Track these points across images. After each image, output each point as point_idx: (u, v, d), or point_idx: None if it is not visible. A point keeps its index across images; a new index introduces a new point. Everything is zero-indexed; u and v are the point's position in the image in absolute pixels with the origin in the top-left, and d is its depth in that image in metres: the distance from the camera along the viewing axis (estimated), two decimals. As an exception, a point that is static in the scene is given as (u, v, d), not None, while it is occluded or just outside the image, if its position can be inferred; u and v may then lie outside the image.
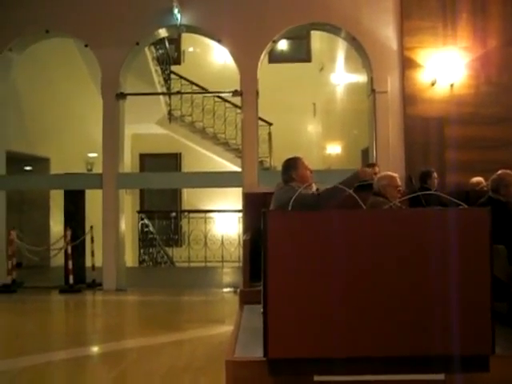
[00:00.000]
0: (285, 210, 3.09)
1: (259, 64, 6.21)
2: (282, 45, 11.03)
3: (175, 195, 11.23)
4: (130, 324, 4.87)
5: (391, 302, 2.57)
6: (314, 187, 3.45)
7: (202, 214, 9.76)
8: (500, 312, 3.24)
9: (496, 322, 2.79)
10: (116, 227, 6.28)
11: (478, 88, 6.01)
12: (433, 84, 5.99)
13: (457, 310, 2.56)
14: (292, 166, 3.39)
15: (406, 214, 2.86)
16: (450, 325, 2.55)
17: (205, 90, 9.88)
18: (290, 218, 2.67)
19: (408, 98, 6.02)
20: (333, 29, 6.38)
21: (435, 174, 4.98)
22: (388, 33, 6.13)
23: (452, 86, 5.96)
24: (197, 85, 10.06)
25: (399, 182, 3.71)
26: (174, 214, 10.66)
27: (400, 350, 2.56)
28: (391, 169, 5.23)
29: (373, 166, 5.22)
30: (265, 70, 6.54)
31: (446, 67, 5.92)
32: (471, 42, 6.07)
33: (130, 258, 9.39)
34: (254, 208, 4.37)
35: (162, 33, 6.69)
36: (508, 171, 3.96)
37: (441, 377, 2.48)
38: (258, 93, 6.22)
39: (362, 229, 2.64)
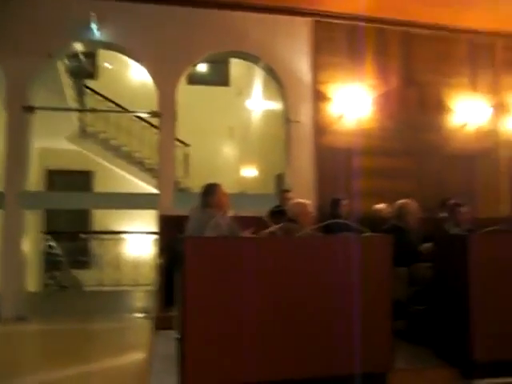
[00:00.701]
0: (203, 235, 3.12)
1: (178, 86, 6.24)
2: (202, 67, 11.17)
3: (85, 215, 10.69)
4: (31, 357, 4.46)
5: (302, 325, 2.70)
6: (231, 213, 3.53)
7: (114, 235, 9.39)
8: (400, 329, 3.53)
9: (397, 338, 3.05)
10: (17, 249, 5.82)
11: (382, 123, 6.57)
12: (341, 117, 6.43)
13: (360, 331, 2.75)
14: (211, 192, 3.46)
15: (317, 241, 3.04)
16: (353, 345, 2.74)
17: (121, 107, 9.63)
18: (207, 244, 2.71)
19: (319, 128, 6.37)
20: (251, 58, 6.63)
21: (344, 202, 5.31)
22: (302, 66, 6.49)
23: (359, 119, 6.45)
24: (112, 101, 9.79)
25: (311, 209, 3.93)
26: (84, 236, 10.11)
27: (310, 372, 2.68)
28: (304, 195, 5.49)
29: (286, 191, 5.46)
30: (183, 91, 6.57)
31: (354, 102, 6.40)
32: (376, 80, 6.64)
33: (33, 282, 8.70)
34: (170, 230, 4.34)
35: (78, 46, 6.46)
36: (409, 201, 4.38)
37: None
38: (175, 115, 6.23)
39: (275, 255, 2.75)
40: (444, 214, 4.95)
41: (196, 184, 9.00)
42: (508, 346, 3.08)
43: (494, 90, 7.05)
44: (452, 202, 4.88)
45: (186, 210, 4.37)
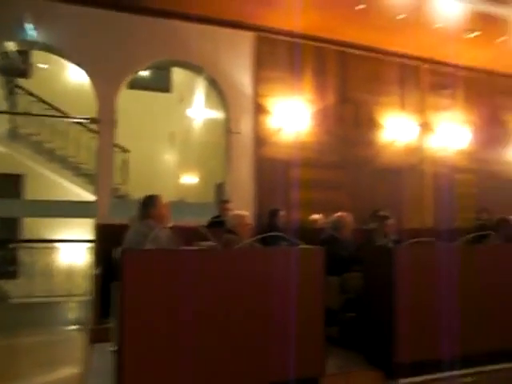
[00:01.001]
0: (141, 247, 3.13)
1: (118, 93, 6.14)
2: (143, 72, 11.01)
3: (14, 220, 10.10)
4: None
5: (240, 336, 2.79)
6: (170, 224, 3.56)
7: (46, 243, 8.95)
8: (333, 336, 3.73)
9: (329, 344, 3.22)
10: None
11: (319, 137, 6.87)
12: (280, 130, 6.64)
13: (294, 339, 2.89)
14: (151, 203, 3.46)
15: (255, 252, 3.16)
16: (289, 352, 2.87)
17: (56, 109, 9.27)
18: (146, 256, 2.73)
19: (259, 140, 6.54)
20: (194, 68, 6.67)
21: (282, 212, 5.48)
22: (244, 78, 6.63)
23: (297, 133, 6.69)
24: (47, 103, 9.39)
25: (249, 221, 4.04)
26: (11, 244, 9.53)
27: (247, 381, 2.77)
28: (243, 205, 5.62)
29: (225, 202, 5.55)
30: (123, 95, 6.47)
31: (293, 116, 6.64)
32: (314, 96, 6.93)
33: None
34: (107, 240, 4.26)
35: (11, 46, 6.17)
36: (345, 214, 4.65)
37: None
38: (115, 121, 6.12)
39: (214, 267, 2.82)
40: (374, 225, 5.27)
41: (135, 190, 8.86)
42: (426, 347, 3.36)
43: (420, 109, 7.61)
44: (380, 213, 5.21)
45: (124, 218, 4.31)
